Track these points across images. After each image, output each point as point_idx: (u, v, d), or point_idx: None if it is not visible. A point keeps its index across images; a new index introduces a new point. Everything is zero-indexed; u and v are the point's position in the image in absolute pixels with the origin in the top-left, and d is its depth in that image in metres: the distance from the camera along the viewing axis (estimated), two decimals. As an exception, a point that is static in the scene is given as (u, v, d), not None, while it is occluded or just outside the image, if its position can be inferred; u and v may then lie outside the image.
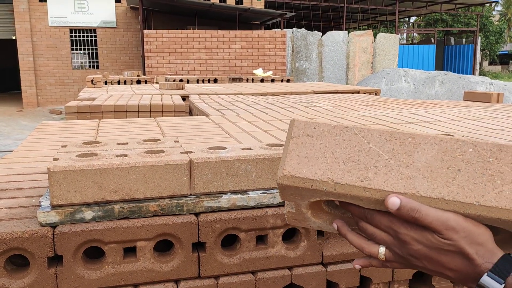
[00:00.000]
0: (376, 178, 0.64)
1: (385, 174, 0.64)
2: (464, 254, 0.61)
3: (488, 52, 31.88)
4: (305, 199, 0.69)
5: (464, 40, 24.69)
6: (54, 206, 1.13)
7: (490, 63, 38.67)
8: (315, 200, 0.69)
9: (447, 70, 20.51)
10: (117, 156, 1.20)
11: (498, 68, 38.57)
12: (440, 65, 23.05)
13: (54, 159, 1.17)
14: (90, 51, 16.33)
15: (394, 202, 0.62)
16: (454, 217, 0.62)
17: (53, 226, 1.12)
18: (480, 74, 24.79)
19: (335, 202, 0.72)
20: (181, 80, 7.82)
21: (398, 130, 0.66)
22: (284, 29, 15.23)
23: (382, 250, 0.67)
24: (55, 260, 1.16)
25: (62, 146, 1.34)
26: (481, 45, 26.79)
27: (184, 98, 4.85)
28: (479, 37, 22.67)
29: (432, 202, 0.62)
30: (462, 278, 0.63)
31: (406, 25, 30.50)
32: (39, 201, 1.19)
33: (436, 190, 0.63)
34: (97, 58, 16.35)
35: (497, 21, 34.37)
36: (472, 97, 4.60)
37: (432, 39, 23.37)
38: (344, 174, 0.64)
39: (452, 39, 24.96)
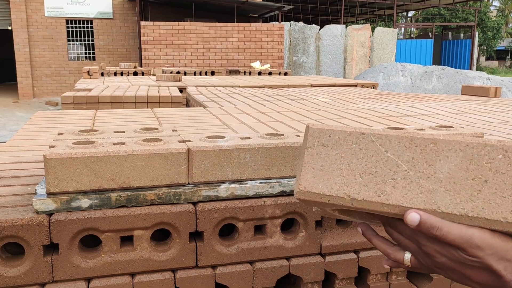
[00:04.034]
0: (394, 192, 0.60)
1: (403, 187, 0.60)
2: (491, 271, 0.58)
3: (485, 48, 31.90)
4: (326, 207, 0.68)
5: (461, 35, 24.68)
6: (50, 194, 1.11)
7: (487, 59, 38.72)
8: (336, 208, 0.67)
9: (444, 65, 20.50)
10: (114, 144, 1.19)
11: (495, 63, 38.62)
12: (438, 60, 23.06)
13: (50, 146, 1.16)
14: (87, 42, 16.23)
15: (413, 218, 0.59)
16: (478, 233, 0.58)
17: (49, 214, 1.11)
18: (477, 69, 24.82)
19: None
20: (178, 72, 7.79)
21: (419, 135, 0.61)
22: (282, 22, 15.17)
23: (407, 256, 0.65)
24: (51, 248, 1.14)
25: (59, 134, 1.33)
26: (478, 41, 26.80)
27: (181, 90, 4.83)
28: (477, 32, 22.67)
29: (455, 218, 0.58)
30: None
31: (404, 20, 30.45)
32: (35, 189, 1.17)
33: (459, 205, 0.58)
34: (93, 49, 16.25)
35: (494, 16, 34.34)
36: (470, 91, 4.60)
37: (430, 34, 23.35)
38: (361, 188, 0.62)
39: (450, 34, 24.95)
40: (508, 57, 40.05)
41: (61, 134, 1.33)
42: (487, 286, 0.60)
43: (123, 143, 1.20)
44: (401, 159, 0.61)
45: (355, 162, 0.62)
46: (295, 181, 0.65)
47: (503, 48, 39.31)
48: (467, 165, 0.58)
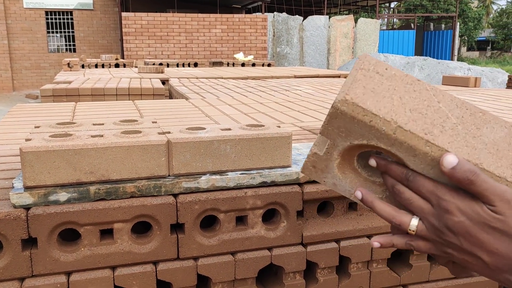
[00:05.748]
0: (441, 136, 0.58)
1: (450, 136, 0.59)
2: (511, 236, 0.54)
3: (466, 38, 32.27)
4: (348, 139, 0.62)
5: (443, 26, 24.93)
6: (27, 188, 1.10)
7: (468, 49, 39.19)
8: (358, 143, 0.62)
9: (426, 56, 20.68)
10: (92, 136, 1.17)
11: (475, 54, 39.14)
12: (420, 51, 23.25)
13: (27, 140, 1.14)
14: (67, 34, 15.95)
15: (450, 160, 0.56)
16: None
17: (27, 208, 1.09)
18: (458, 60, 25.09)
19: (373, 160, 0.65)
20: (160, 64, 7.72)
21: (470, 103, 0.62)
22: (265, 13, 15.11)
23: (414, 221, 0.60)
24: (30, 242, 1.13)
25: (35, 127, 1.30)
26: (459, 31, 27.09)
27: (163, 82, 4.78)
28: (458, 23, 22.90)
29: (494, 179, 0.57)
30: (499, 266, 0.56)
31: (387, 11, 30.60)
32: (12, 183, 1.16)
33: (500, 168, 0.58)
34: (73, 41, 15.99)
35: (475, 7, 34.74)
36: (450, 81, 4.65)
37: (412, 25, 23.51)
38: (409, 120, 0.59)
39: (432, 24, 25.17)
40: (489, 47, 40.62)
41: (38, 127, 1.31)
42: (499, 257, 0.55)
43: (102, 136, 1.18)
44: (452, 113, 0.60)
45: (407, 98, 0.60)
46: (339, 93, 0.60)
47: (484, 38, 39.83)
48: (510, 140, 0.60)
